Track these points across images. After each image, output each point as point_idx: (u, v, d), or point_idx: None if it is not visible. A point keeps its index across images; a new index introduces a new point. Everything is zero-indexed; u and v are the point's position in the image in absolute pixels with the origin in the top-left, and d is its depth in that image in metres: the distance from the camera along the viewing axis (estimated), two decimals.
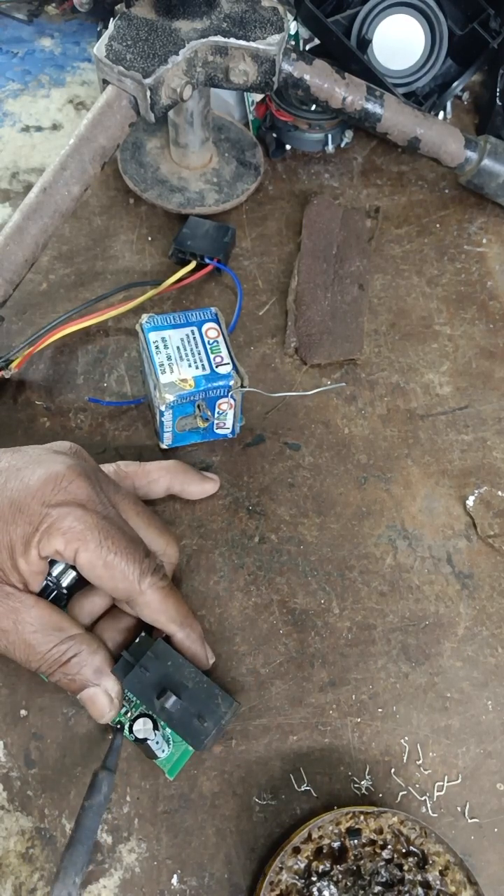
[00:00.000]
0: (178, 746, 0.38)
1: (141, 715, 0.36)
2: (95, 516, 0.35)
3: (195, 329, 0.46)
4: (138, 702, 0.37)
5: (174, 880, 0.37)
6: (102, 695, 0.36)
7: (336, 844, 0.36)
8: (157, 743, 0.37)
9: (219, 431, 0.48)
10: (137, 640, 0.38)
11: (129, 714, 0.38)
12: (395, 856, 0.36)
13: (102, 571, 0.35)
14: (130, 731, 0.36)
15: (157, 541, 0.39)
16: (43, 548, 0.35)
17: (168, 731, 0.37)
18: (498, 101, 0.63)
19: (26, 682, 0.41)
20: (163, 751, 0.37)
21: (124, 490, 0.40)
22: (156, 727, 0.36)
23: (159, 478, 0.43)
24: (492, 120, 0.63)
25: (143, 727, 0.36)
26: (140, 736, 0.36)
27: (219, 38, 0.49)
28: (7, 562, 0.35)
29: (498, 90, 0.63)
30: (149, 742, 0.36)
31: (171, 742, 0.38)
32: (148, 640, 0.38)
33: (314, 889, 0.35)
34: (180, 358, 0.45)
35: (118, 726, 0.38)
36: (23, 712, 0.40)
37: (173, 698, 0.36)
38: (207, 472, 0.46)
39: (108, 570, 0.35)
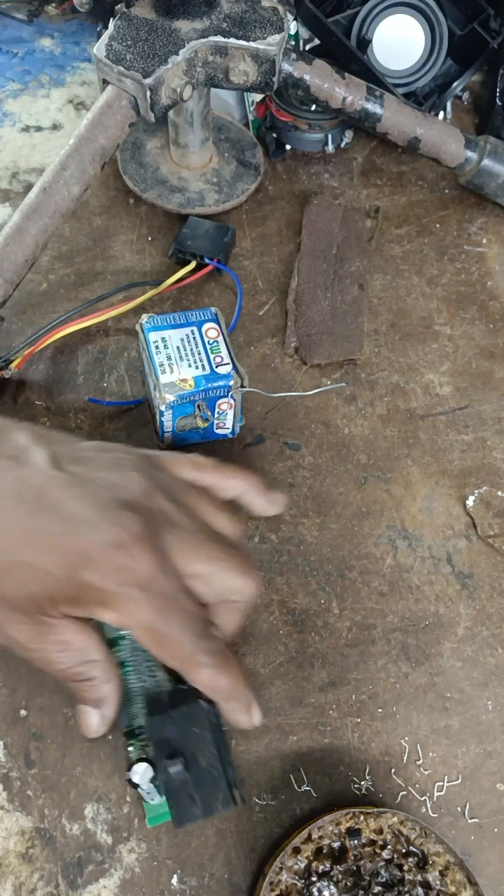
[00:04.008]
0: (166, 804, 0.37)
1: (144, 759, 0.35)
2: (156, 599, 0.32)
3: (195, 329, 0.46)
4: (149, 746, 0.36)
5: (174, 880, 0.37)
6: (96, 717, 0.35)
7: (336, 845, 0.36)
8: (149, 793, 0.36)
9: (219, 431, 0.48)
10: (183, 687, 0.36)
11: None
12: (395, 856, 0.36)
13: (152, 647, 0.33)
14: (129, 768, 0.35)
15: (234, 580, 0.35)
16: (91, 614, 0.33)
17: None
18: (498, 101, 0.63)
19: (26, 682, 0.41)
20: (153, 799, 0.36)
21: (206, 509, 0.36)
22: (154, 779, 0.35)
23: (236, 484, 0.39)
24: (492, 120, 0.63)
25: (141, 773, 0.35)
26: (135, 780, 0.35)
27: (219, 39, 0.49)
28: (46, 604, 0.32)
29: (498, 90, 0.63)
30: (140, 789, 0.35)
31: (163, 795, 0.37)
32: (190, 692, 0.36)
33: (314, 889, 0.35)
34: (180, 358, 0.45)
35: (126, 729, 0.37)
36: (23, 712, 0.40)
37: (180, 767, 0.34)
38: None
39: (159, 648, 0.33)
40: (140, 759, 0.35)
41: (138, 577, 0.32)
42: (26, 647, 0.33)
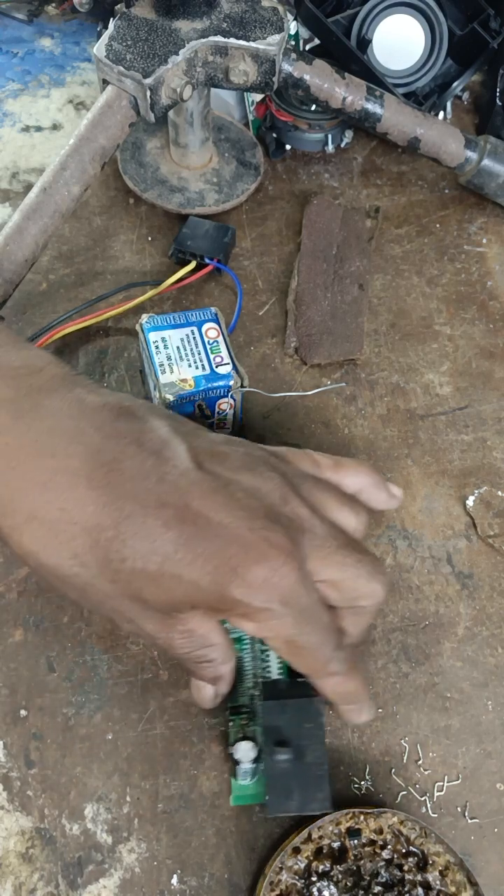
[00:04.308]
0: (258, 784, 0.37)
1: (247, 738, 0.36)
2: (297, 613, 0.32)
3: (195, 329, 0.46)
4: (259, 724, 0.36)
5: (174, 880, 0.37)
6: (211, 690, 0.36)
7: (336, 845, 0.36)
8: (246, 771, 0.36)
9: (219, 431, 0.48)
10: (302, 681, 0.37)
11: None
12: (395, 856, 0.36)
13: (286, 656, 0.33)
14: (233, 743, 0.35)
15: (364, 587, 0.34)
16: (229, 622, 0.32)
17: (261, 767, 0.37)
18: (498, 101, 0.63)
19: (26, 682, 0.41)
20: (245, 779, 0.37)
21: (332, 506, 0.35)
22: (256, 759, 0.35)
23: (356, 482, 0.37)
24: (492, 120, 0.63)
25: (244, 751, 0.35)
26: (237, 756, 0.35)
27: (219, 39, 0.49)
28: (185, 608, 0.32)
29: (498, 90, 0.63)
30: (241, 766, 0.35)
31: (258, 776, 0.37)
32: (308, 687, 0.37)
33: (314, 889, 0.35)
34: (180, 358, 0.45)
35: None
36: (23, 712, 0.40)
37: (288, 757, 0.34)
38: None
39: (294, 657, 0.33)
40: (244, 738, 0.36)
41: (282, 592, 0.31)
42: (152, 637, 0.33)
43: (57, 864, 0.37)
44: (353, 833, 0.36)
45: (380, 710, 0.41)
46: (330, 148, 0.62)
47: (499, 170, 0.57)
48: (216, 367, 0.45)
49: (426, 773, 0.40)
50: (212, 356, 0.45)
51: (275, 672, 0.39)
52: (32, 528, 0.31)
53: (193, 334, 0.46)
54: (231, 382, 0.44)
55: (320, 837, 0.36)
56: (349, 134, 0.63)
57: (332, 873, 0.35)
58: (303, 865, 0.35)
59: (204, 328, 0.46)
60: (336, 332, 0.53)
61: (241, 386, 0.45)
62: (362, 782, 0.39)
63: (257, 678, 0.39)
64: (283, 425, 0.50)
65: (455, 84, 0.63)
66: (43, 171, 0.50)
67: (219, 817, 0.38)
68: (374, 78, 0.57)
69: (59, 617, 0.43)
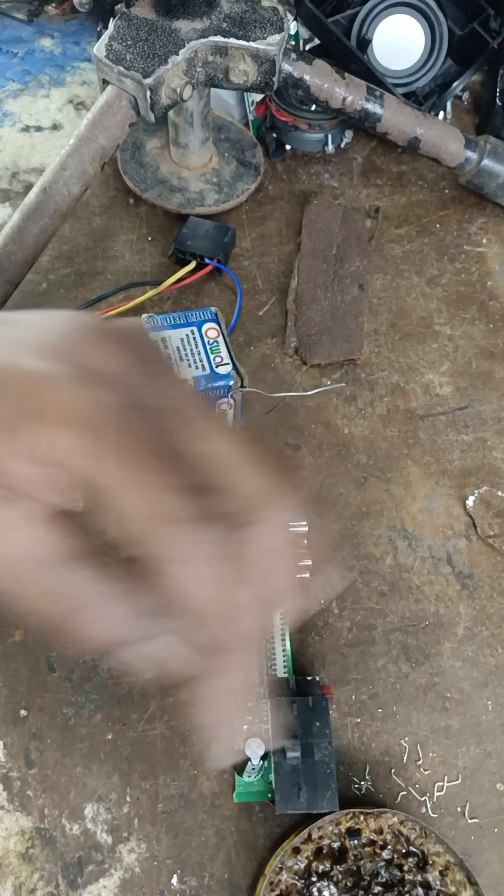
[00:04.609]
0: (261, 782, 0.38)
1: (256, 735, 0.36)
2: (95, 428, 0.18)
3: (195, 329, 0.46)
4: (264, 722, 0.36)
5: (174, 880, 0.37)
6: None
7: (336, 845, 0.36)
8: (254, 768, 0.36)
9: None
10: (310, 679, 0.37)
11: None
12: (395, 856, 0.36)
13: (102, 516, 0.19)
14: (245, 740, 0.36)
15: (251, 484, 0.20)
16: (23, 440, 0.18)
17: (265, 765, 0.37)
18: (498, 101, 0.63)
19: (26, 682, 0.41)
20: (250, 775, 0.37)
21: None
22: (265, 757, 0.35)
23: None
24: (492, 120, 0.63)
25: (254, 748, 0.35)
26: (248, 753, 0.35)
27: (219, 39, 0.49)
28: None
29: (498, 90, 0.63)
30: (250, 763, 0.35)
31: (262, 774, 0.37)
32: (317, 686, 0.37)
33: (314, 889, 0.35)
34: (180, 358, 0.45)
35: None
36: (23, 712, 0.40)
37: (299, 754, 0.35)
38: None
39: (104, 510, 0.18)
40: (252, 735, 0.36)
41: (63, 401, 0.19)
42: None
43: (57, 864, 0.37)
44: (353, 833, 0.36)
45: (380, 711, 0.41)
46: (330, 148, 0.62)
47: (499, 170, 0.57)
48: (216, 367, 0.45)
49: (426, 773, 0.40)
50: (212, 356, 0.45)
51: (280, 670, 0.39)
52: None
53: (193, 334, 0.46)
54: (231, 382, 0.44)
55: (320, 837, 0.36)
56: (349, 134, 0.63)
57: (332, 873, 0.35)
58: (303, 865, 0.35)
59: (204, 328, 0.46)
60: (336, 332, 0.53)
61: (241, 386, 0.45)
62: (362, 782, 0.39)
63: (262, 676, 0.39)
64: (283, 425, 0.50)
65: (455, 84, 0.63)
66: (43, 171, 0.50)
67: (219, 817, 0.38)
68: (374, 78, 0.57)
69: None
